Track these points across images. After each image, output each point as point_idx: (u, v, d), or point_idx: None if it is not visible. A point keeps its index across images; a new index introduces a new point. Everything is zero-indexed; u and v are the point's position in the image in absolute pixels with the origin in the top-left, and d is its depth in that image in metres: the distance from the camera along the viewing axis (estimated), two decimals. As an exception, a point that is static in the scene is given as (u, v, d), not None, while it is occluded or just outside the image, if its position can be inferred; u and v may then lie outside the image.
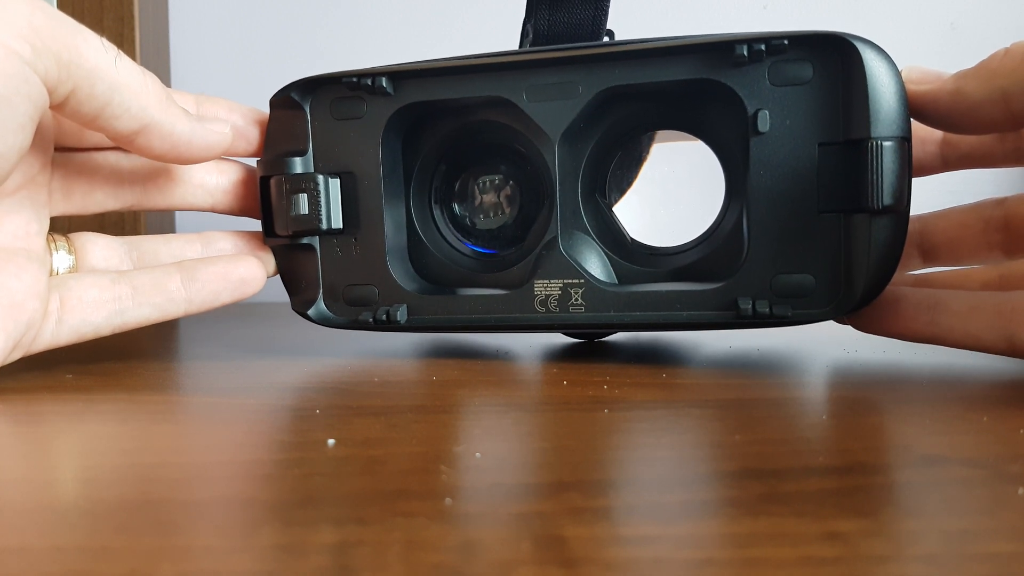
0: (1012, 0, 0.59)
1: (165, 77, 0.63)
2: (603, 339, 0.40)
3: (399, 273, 0.34)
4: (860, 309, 0.28)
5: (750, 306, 0.29)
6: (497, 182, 0.36)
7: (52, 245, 0.31)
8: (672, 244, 0.34)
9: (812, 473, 0.17)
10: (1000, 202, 0.32)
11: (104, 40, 0.25)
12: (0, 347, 0.27)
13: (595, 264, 0.32)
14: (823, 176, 0.28)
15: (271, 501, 0.17)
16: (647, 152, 0.34)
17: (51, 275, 0.30)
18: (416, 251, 0.35)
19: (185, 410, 0.26)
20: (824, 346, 0.36)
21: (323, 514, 0.15)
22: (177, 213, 0.63)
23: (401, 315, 0.33)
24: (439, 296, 0.33)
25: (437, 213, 0.36)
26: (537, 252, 0.33)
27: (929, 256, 0.34)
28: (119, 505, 0.16)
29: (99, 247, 0.32)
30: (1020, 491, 0.16)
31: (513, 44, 0.37)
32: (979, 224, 0.32)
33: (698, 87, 0.30)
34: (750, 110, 0.29)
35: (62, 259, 0.31)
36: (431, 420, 0.23)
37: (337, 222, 0.33)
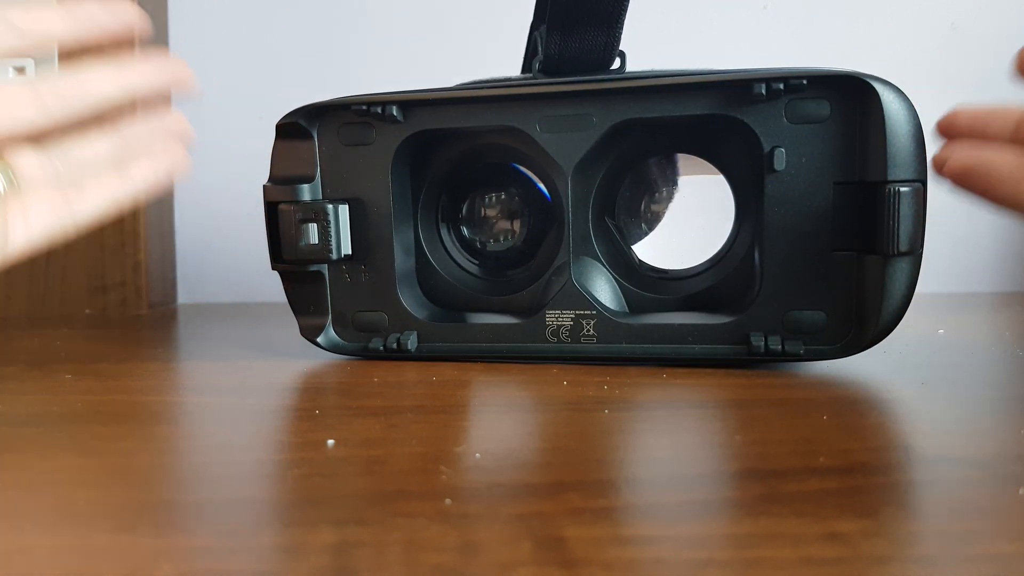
0: (1012, 0, 0.59)
1: (165, 77, 0.63)
2: None
3: (408, 299, 0.33)
4: (869, 348, 0.28)
5: (762, 342, 0.29)
6: (505, 203, 0.36)
7: None
8: (681, 268, 0.34)
9: (812, 473, 0.17)
10: None
11: None
12: None
13: (605, 292, 0.32)
14: (838, 215, 0.28)
15: (271, 501, 0.17)
16: (672, 184, 0.34)
17: None
18: (424, 273, 0.35)
19: (185, 410, 0.26)
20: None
21: (323, 514, 0.15)
22: (176, 210, 0.63)
23: (411, 343, 0.33)
24: (449, 323, 0.33)
25: (444, 233, 0.36)
26: (547, 277, 0.33)
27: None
28: (119, 505, 0.16)
29: (32, 159, 0.31)
30: (1020, 491, 0.16)
31: (519, 58, 0.37)
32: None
33: (713, 119, 0.30)
34: (766, 147, 0.29)
35: None
36: (431, 420, 0.23)
37: (346, 249, 0.33)
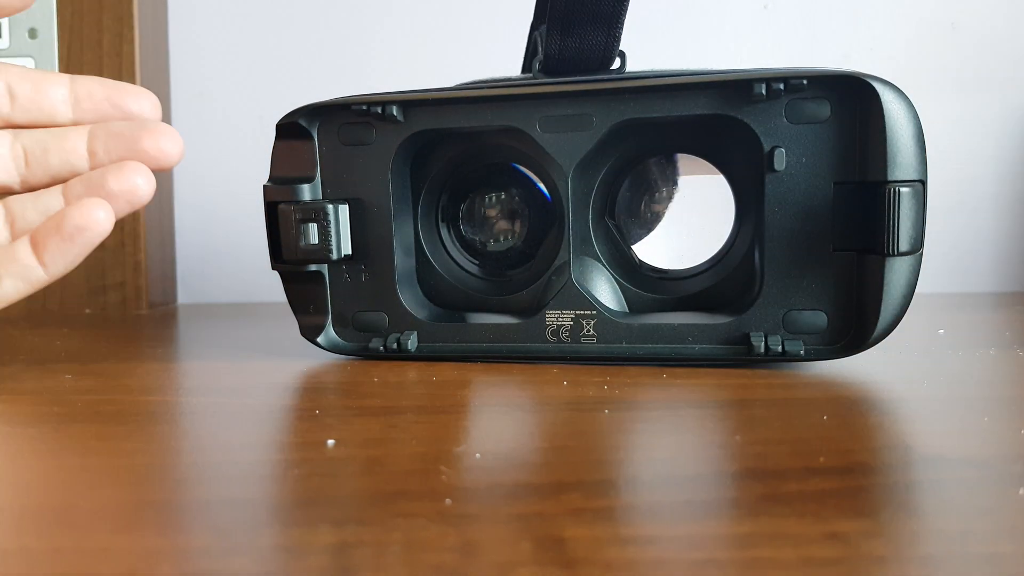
0: (1012, 0, 0.60)
1: (165, 77, 0.63)
2: None
3: (408, 299, 0.33)
4: (869, 348, 0.28)
5: (762, 342, 0.29)
6: (505, 202, 0.36)
7: None
8: (681, 268, 0.34)
9: (813, 474, 0.17)
10: None
11: None
12: None
13: (606, 292, 0.32)
14: (838, 215, 0.28)
15: (271, 501, 0.17)
16: (672, 183, 0.34)
17: None
18: (424, 273, 0.35)
19: (185, 410, 0.26)
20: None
21: (323, 514, 0.15)
22: (176, 210, 0.63)
23: (411, 343, 0.33)
24: (449, 323, 0.33)
25: (444, 233, 0.36)
26: (547, 277, 0.33)
27: None
28: (119, 505, 0.16)
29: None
30: (1020, 491, 0.16)
31: (519, 58, 0.37)
32: None
33: (713, 119, 0.30)
34: (766, 147, 0.29)
35: None
36: (431, 420, 0.23)
37: (346, 249, 0.33)
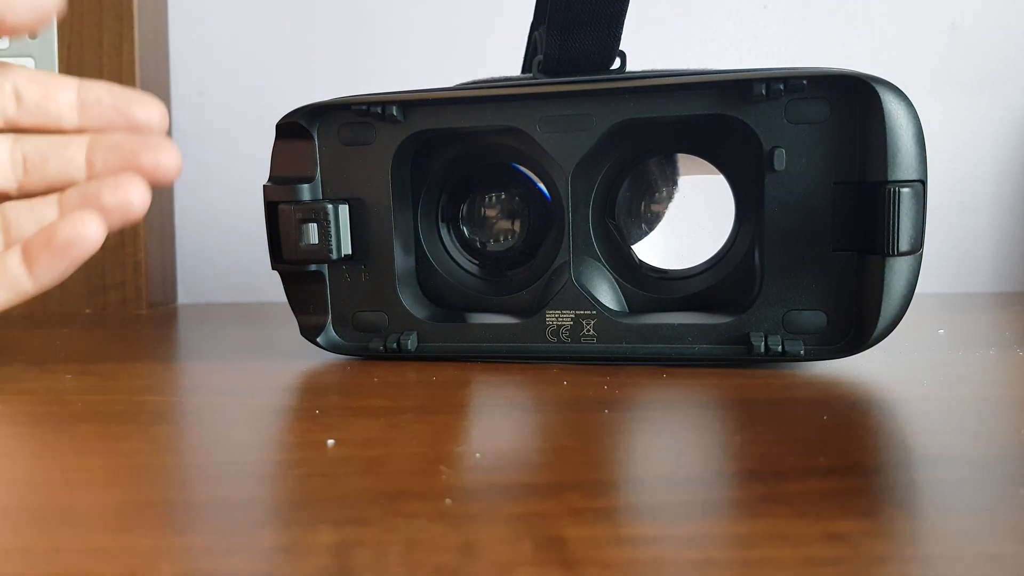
0: (1012, 0, 0.59)
1: (165, 77, 0.63)
2: None
3: (408, 299, 0.33)
4: (869, 348, 0.28)
5: (762, 342, 0.29)
6: (505, 202, 0.36)
7: None
8: (681, 268, 0.34)
9: (813, 473, 0.17)
10: None
11: None
12: None
13: (606, 292, 0.32)
14: (838, 215, 0.28)
15: (271, 501, 0.17)
16: (672, 183, 0.34)
17: None
18: (424, 273, 0.35)
19: (185, 410, 0.26)
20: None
21: (323, 514, 0.15)
22: (176, 210, 0.63)
23: (411, 343, 0.33)
24: (449, 323, 0.33)
25: (444, 233, 0.36)
26: (547, 277, 0.33)
27: None
28: (119, 505, 0.16)
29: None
30: (1020, 491, 0.16)
31: (519, 58, 0.37)
32: None
33: (713, 119, 0.30)
34: (766, 147, 0.29)
35: None
36: (431, 420, 0.23)
37: (346, 249, 0.33)
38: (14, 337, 0.42)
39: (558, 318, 0.31)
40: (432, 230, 0.35)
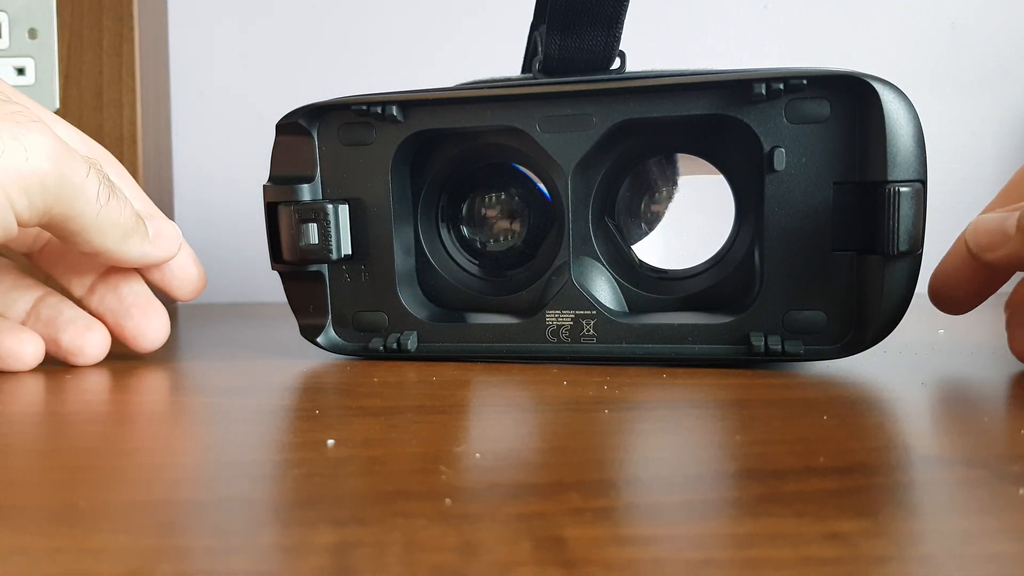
0: (1012, 0, 0.60)
1: (165, 77, 0.63)
2: None
3: (408, 299, 0.33)
4: (869, 348, 0.28)
5: (762, 342, 0.29)
6: (505, 202, 0.36)
7: None
8: (681, 268, 0.34)
9: (813, 473, 0.17)
10: None
11: (101, 190, 0.28)
12: None
13: (605, 292, 0.32)
14: (838, 215, 0.28)
15: (271, 501, 0.17)
16: (671, 183, 0.34)
17: None
18: (424, 273, 0.35)
19: (185, 410, 0.26)
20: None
21: (323, 514, 0.15)
22: (176, 210, 0.63)
23: (411, 343, 0.33)
24: (449, 323, 0.33)
25: (444, 233, 0.36)
26: (547, 277, 0.33)
27: None
28: (119, 505, 0.16)
29: None
30: (1020, 491, 0.16)
31: (519, 58, 0.37)
32: None
33: (713, 119, 0.30)
34: (766, 147, 0.29)
35: None
36: (431, 420, 0.23)
37: (346, 249, 0.33)
38: (14, 337, 0.42)
39: (558, 318, 0.31)
40: (432, 230, 0.35)
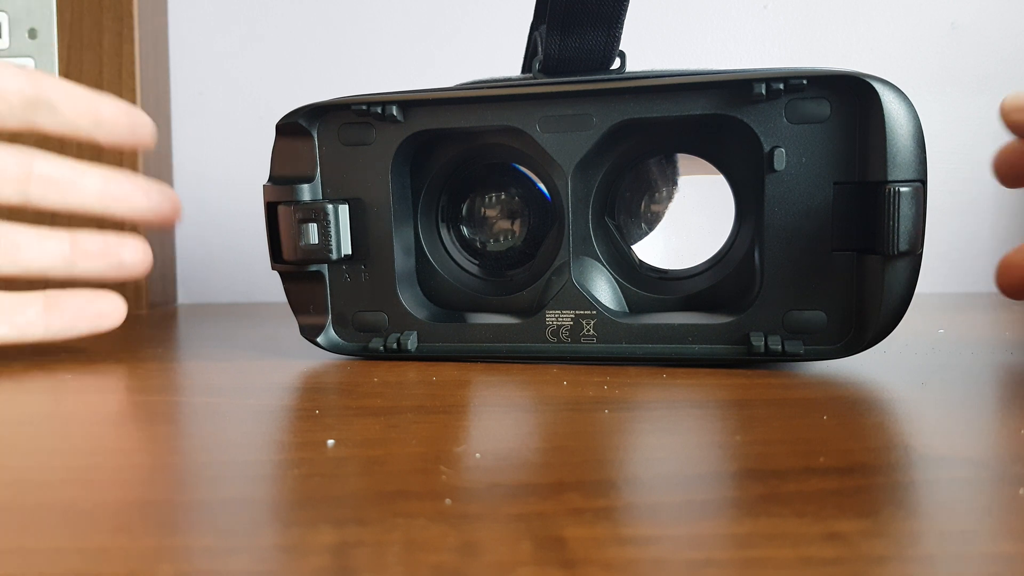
0: (1012, 0, 0.60)
1: (165, 77, 0.63)
2: None
3: (408, 299, 0.33)
4: (869, 348, 0.28)
5: (762, 342, 0.29)
6: (505, 202, 0.36)
7: None
8: (681, 268, 0.34)
9: (812, 473, 0.17)
10: None
11: None
12: None
13: (605, 292, 0.32)
14: (837, 215, 0.28)
15: (271, 501, 0.17)
16: (672, 183, 0.34)
17: None
18: (424, 273, 0.35)
19: (185, 410, 0.26)
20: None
21: (323, 514, 0.15)
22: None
23: (411, 343, 0.33)
24: (449, 323, 0.33)
25: (444, 233, 0.36)
26: (547, 277, 0.33)
27: None
28: (119, 505, 0.16)
29: None
30: (1020, 491, 0.16)
31: (519, 58, 0.37)
32: None
33: (713, 119, 0.30)
34: (766, 147, 0.29)
35: None
36: (431, 420, 0.23)
37: (346, 249, 0.33)
38: (14, 337, 0.42)
39: (558, 318, 0.31)
40: (432, 230, 0.35)
